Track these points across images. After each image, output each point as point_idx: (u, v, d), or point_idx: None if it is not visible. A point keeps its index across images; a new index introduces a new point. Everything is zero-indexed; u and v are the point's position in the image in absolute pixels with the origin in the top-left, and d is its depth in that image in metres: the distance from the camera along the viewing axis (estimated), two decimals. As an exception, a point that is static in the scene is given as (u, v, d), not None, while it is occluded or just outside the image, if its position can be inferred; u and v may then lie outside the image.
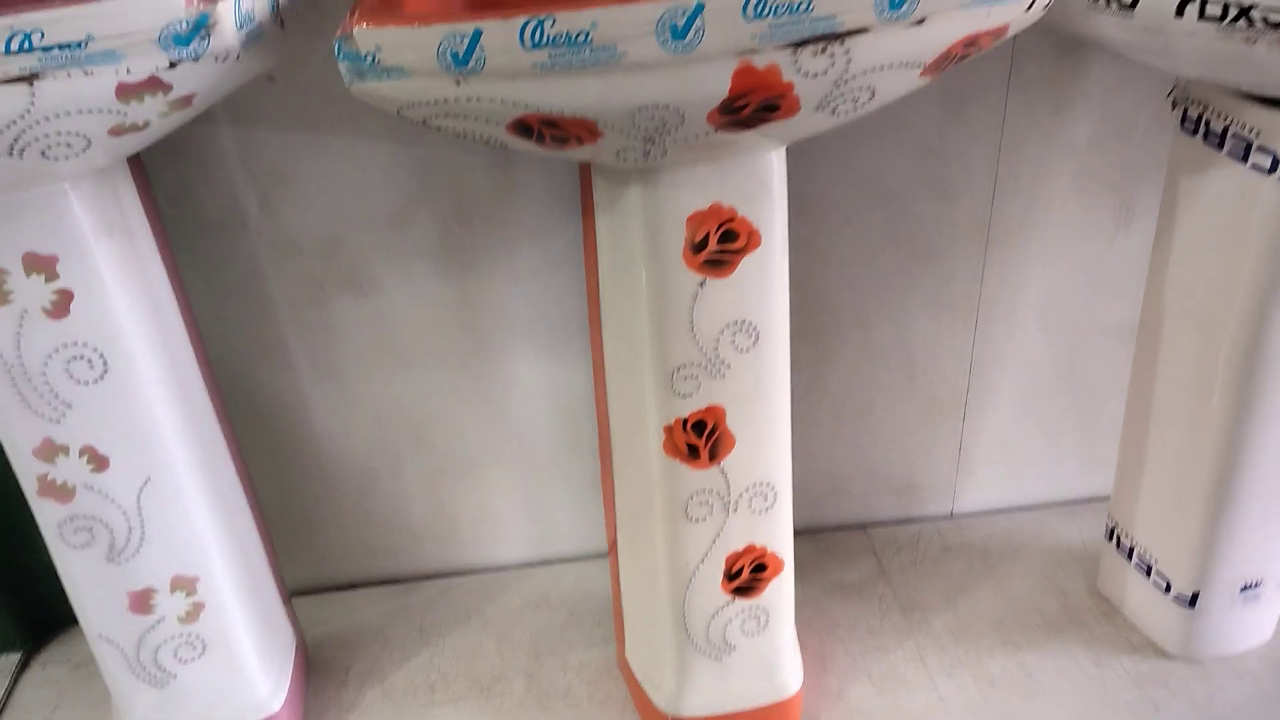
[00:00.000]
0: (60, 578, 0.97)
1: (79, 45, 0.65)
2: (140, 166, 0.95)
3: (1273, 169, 0.88)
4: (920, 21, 0.67)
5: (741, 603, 1.01)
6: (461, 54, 0.64)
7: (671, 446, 0.93)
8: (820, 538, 1.38)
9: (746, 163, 0.83)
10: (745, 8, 0.64)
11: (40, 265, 0.83)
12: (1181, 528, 1.09)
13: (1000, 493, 1.40)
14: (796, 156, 1.11)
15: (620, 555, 1.07)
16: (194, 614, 1.01)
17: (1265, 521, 1.06)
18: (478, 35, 0.64)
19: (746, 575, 1.00)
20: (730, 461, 0.94)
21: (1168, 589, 1.13)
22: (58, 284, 0.84)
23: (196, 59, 0.68)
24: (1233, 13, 0.76)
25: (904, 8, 0.66)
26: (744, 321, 0.89)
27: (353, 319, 1.17)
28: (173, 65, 0.68)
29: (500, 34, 0.64)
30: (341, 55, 0.67)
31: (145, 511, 0.94)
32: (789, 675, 1.06)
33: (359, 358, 1.20)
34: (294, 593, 1.31)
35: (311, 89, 1.03)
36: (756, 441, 0.94)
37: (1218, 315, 0.98)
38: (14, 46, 0.63)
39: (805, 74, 0.68)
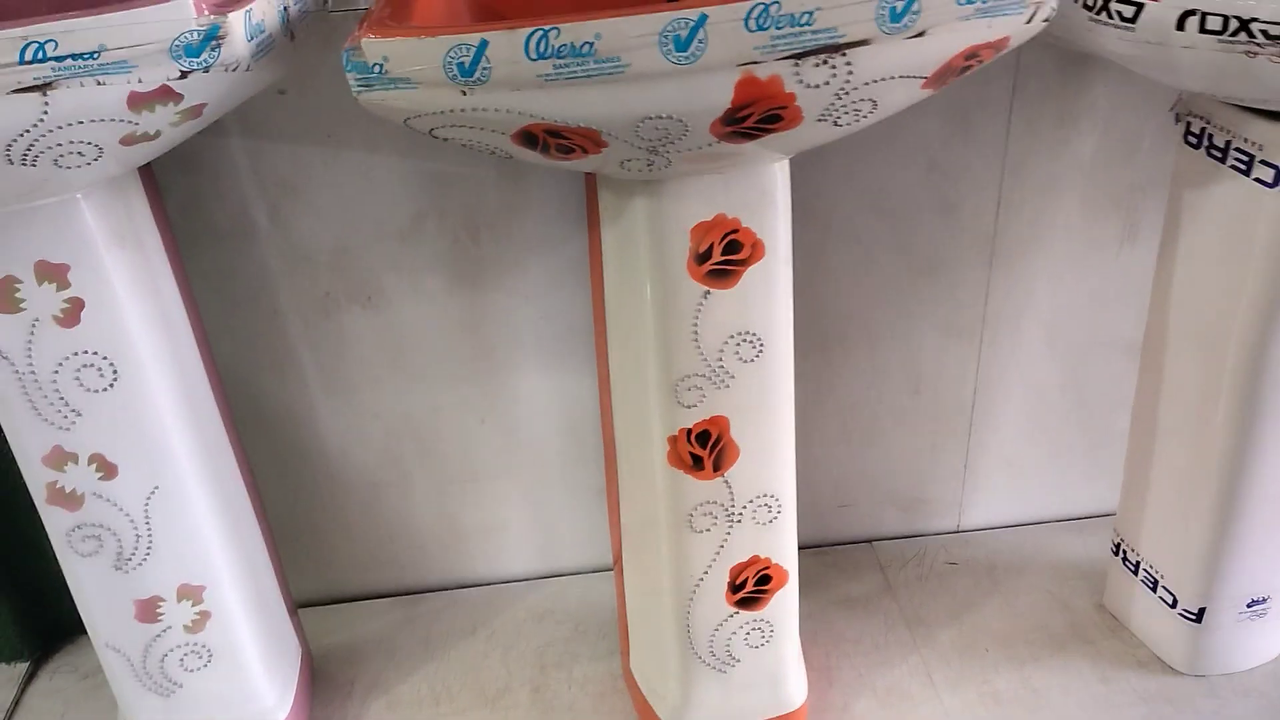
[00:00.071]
0: (68, 586, 0.98)
1: (91, 55, 0.66)
2: (151, 177, 0.96)
3: (1275, 182, 0.89)
4: (921, 34, 0.68)
5: (746, 615, 1.01)
6: (467, 65, 0.65)
7: (675, 457, 0.93)
8: (826, 552, 1.38)
9: (750, 174, 0.84)
10: (747, 20, 0.65)
11: (52, 274, 0.84)
12: (1187, 543, 1.08)
13: (1006, 508, 1.40)
14: (803, 171, 1.12)
15: (625, 567, 1.08)
16: (200, 623, 1.01)
17: (1272, 536, 1.06)
18: (483, 46, 0.65)
19: (751, 587, 1.00)
20: (734, 472, 0.94)
21: (1174, 604, 1.13)
22: (69, 292, 0.85)
23: (207, 69, 0.69)
24: (1233, 26, 0.76)
25: (904, 20, 0.66)
26: (748, 332, 0.89)
27: (361, 331, 1.18)
28: (183, 75, 0.69)
29: (505, 45, 0.65)
30: (349, 65, 0.68)
31: (153, 520, 0.95)
32: (794, 689, 1.06)
33: (367, 369, 1.21)
34: (300, 604, 1.31)
35: (322, 101, 1.05)
36: (760, 452, 0.94)
37: (1222, 329, 0.98)
38: (28, 56, 0.65)
39: (807, 85, 0.68)
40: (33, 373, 0.86)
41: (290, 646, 1.15)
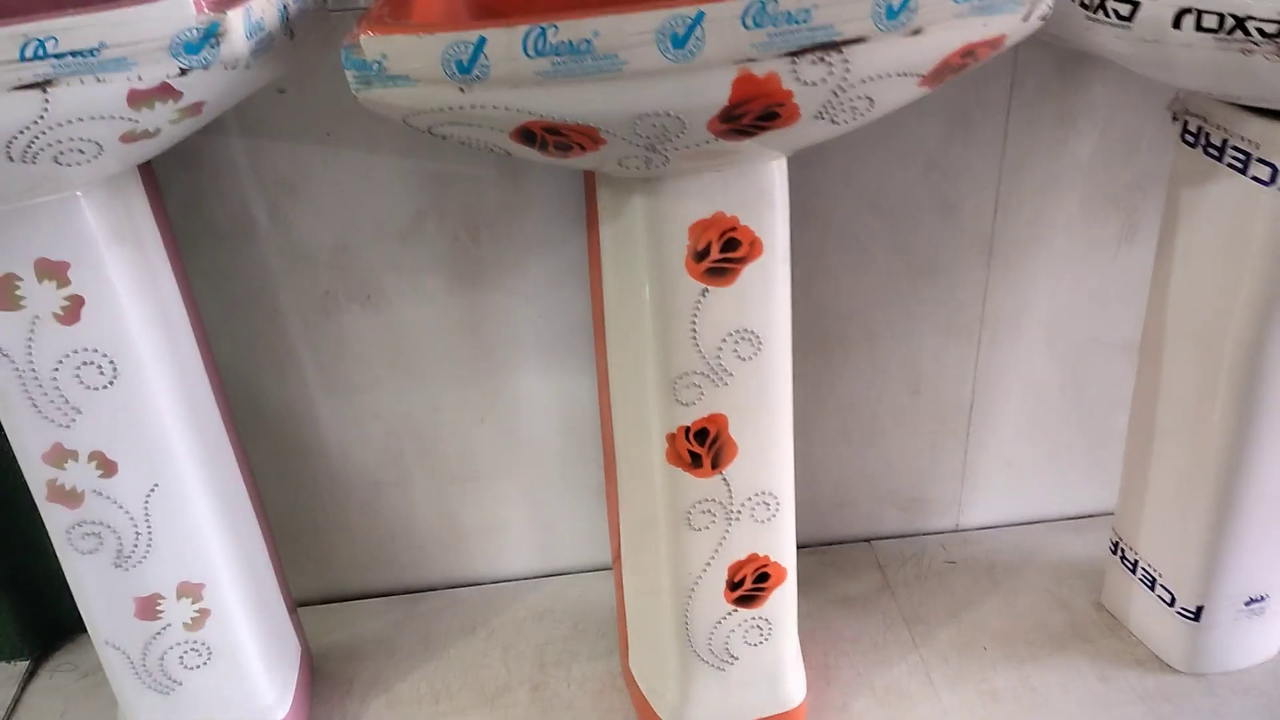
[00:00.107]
0: (68, 584, 0.98)
1: (91, 52, 0.66)
2: (151, 175, 0.96)
3: (1272, 180, 0.89)
4: (917, 31, 0.68)
5: (744, 613, 1.01)
6: (465, 62, 0.66)
7: (674, 455, 0.94)
8: (825, 551, 1.38)
9: (748, 172, 0.84)
10: (744, 17, 0.65)
11: (52, 271, 0.84)
12: (1186, 541, 1.09)
13: (1005, 507, 1.40)
14: (802, 171, 1.12)
15: (624, 565, 1.08)
16: (200, 621, 1.01)
17: (1270, 535, 1.06)
18: (481, 43, 0.65)
19: (749, 585, 1.00)
20: (732, 470, 0.94)
21: (1172, 603, 1.13)
22: (69, 290, 0.85)
23: (206, 67, 0.70)
24: (1229, 24, 0.77)
25: (901, 17, 0.66)
26: (746, 330, 0.89)
27: (361, 330, 1.18)
28: (183, 73, 0.69)
29: (503, 42, 0.65)
30: (348, 63, 0.68)
31: (152, 517, 0.95)
32: (792, 687, 1.06)
33: (367, 369, 1.21)
34: (300, 603, 1.31)
35: (322, 100, 1.05)
36: (759, 450, 0.94)
37: (1219, 327, 0.98)
38: (28, 53, 0.65)
39: (804, 82, 0.69)
40: (33, 370, 0.87)
41: (290, 645, 1.16)
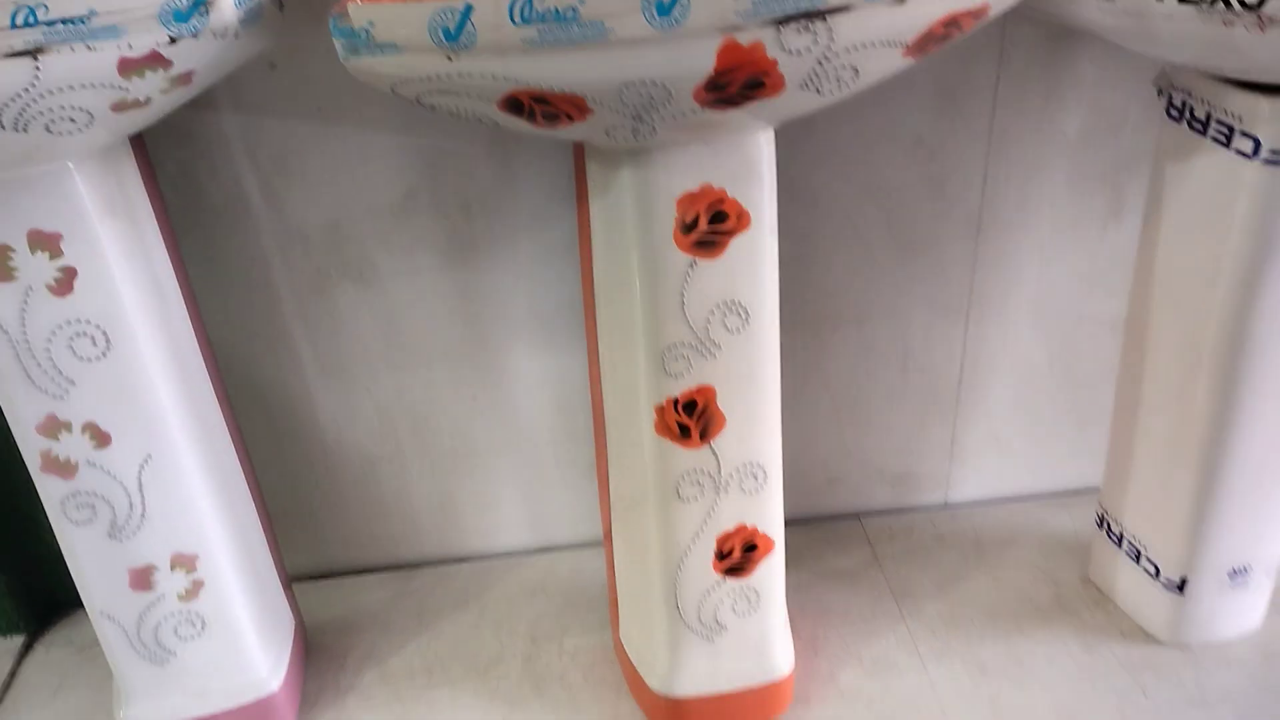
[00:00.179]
0: (63, 556, 0.99)
1: (81, 20, 0.67)
2: (144, 151, 0.97)
3: (1255, 153, 0.90)
4: (901, 1, 0.69)
5: (732, 583, 1.02)
6: (452, 29, 0.66)
7: (663, 426, 0.94)
8: (815, 526, 1.39)
9: (736, 144, 0.85)
10: (729, -15, 0.66)
11: (45, 243, 0.85)
12: (1169, 513, 1.10)
13: (993, 483, 1.41)
14: (791, 149, 1.13)
15: (614, 537, 1.09)
16: (194, 592, 1.02)
17: (1252, 506, 1.07)
18: (468, 11, 0.66)
19: (737, 555, 1.01)
20: (721, 441, 0.95)
21: (1157, 575, 1.14)
22: (62, 261, 0.86)
23: (196, 35, 0.70)
24: (1210, -5, 0.77)
25: (884, -15, 0.67)
26: (734, 302, 0.90)
27: (355, 307, 1.19)
28: (173, 41, 0.70)
29: (490, 9, 0.65)
30: (336, 31, 0.69)
31: (146, 488, 0.96)
32: (780, 656, 1.07)
33: (361, 345, 1.22)
34: (295, 578, 1.32)
35: (314, 77, 1.05)
36: (747, 421, 0.95)
37: (1203, 300, 0.99)
38: (18, 21, 0.66)
39: (789, 51, 0.69)
40: (26, 341, 0.87)
41: (284, 618, 1.17)
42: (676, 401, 0.93)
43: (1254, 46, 0.79)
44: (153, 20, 0.68)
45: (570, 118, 0.74)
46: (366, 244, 1.16)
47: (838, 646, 1.20)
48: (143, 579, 1.00)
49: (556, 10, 0.65)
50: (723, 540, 1.00)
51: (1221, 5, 0.77)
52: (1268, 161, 0.89)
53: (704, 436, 0.95)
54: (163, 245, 0.98)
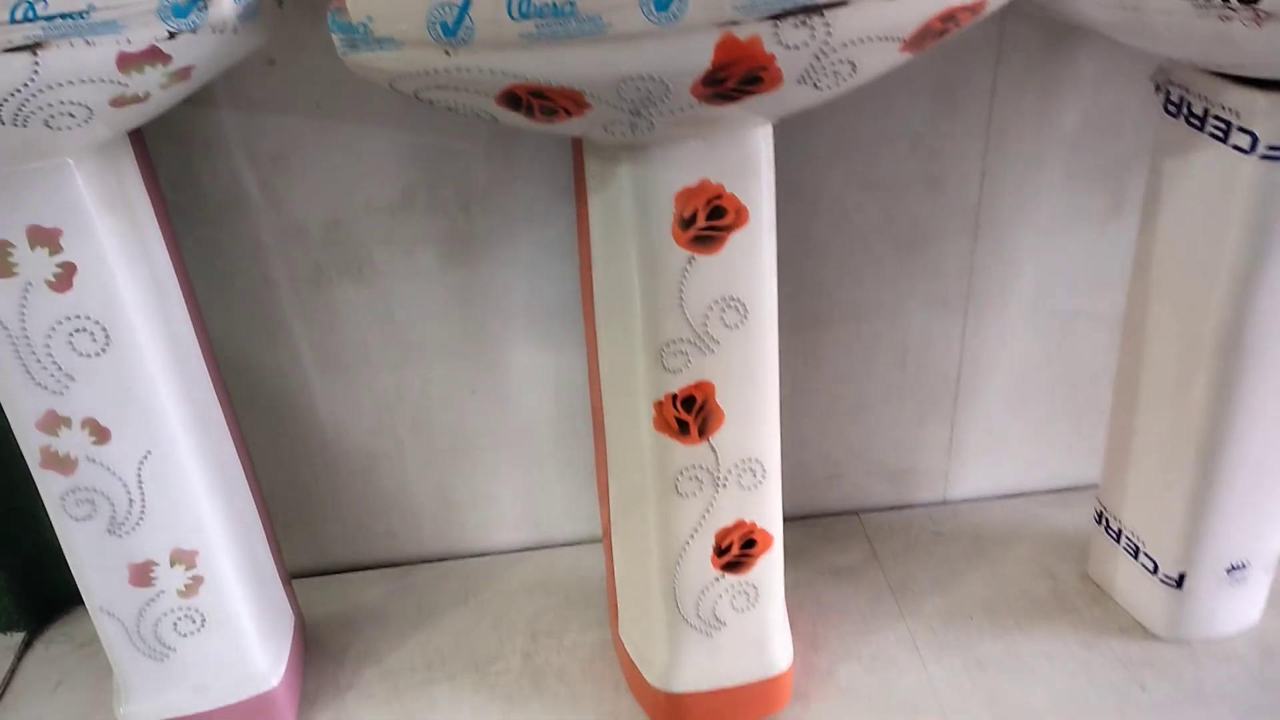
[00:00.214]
0: (63, 552, 0.99)
1: (81, 15, 0.67)
2: (143, 148, 0.97)
3: (1252, 149, 0.90)
4: (898, -5, 0.69)
5: (731, 579, 1.02)
6: (450, 24, 0.66)
7: (661, 422, 0.95)
8: (814, 523, 1.39)
9: (734, 139, 0.85)
10: (726, -20, 0.66)
11: (44, 238, 0.85)
12: (1168, 509, 1.10)
13: (992, 479, 1.41)
14: (789, 146, 1.13)
15: (613, 533, 1.09)
16: (193, 588, 1.02)
17: (1250, 502, 1.07)
18: (466, 5, 0.66)
19: (736, 551, 1.01)
20: (719, 437, 0.95)
21: (1155, 570, 1.14)
22: (61, 257, 0.86)
23: (194, 30, 0.70)
24: (1207, -10, 0.78)
25: (881, -20, 0.67)
26: (732, 298, 0.90)
27: (354, 304, 1.19)
28: (171, 36, 0.70)
29: (488, 4, 0.66)
30: (335, 26, 0.69)
31: (145, 484, 0.96)
32: (779, 652, 1.07)
33: (359, 341, 1.22)
34: (294, 575, 1.32)
35: (313, 73, 1.05)
36: (745, 417, 0.95)
37: (1200, 296, 0.99)
38: (18, 15, 0.66)
39: (786, 46, 0.69)
40: (26, 337, 0.88)
41: (283, 614, 1.17)
42: (675, 397, 0.93)
43: (1250, 41, 0.80)
44: (151, 15, 0.68)
45: (568, 113, 0.75)
46: (365, 240, 1.16)
47: (836, 643, 1.20)
48: (142, 575, 1.00)
49: (554, 5, 0.65)
50: (721, 536, 1.00)
51: (1218, 0, 0.78)
52: (1265, 157, 0.89)
53: (702, 432, 0.95)
54: (162, 241, 0.98)
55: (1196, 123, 0.95)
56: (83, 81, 0.70)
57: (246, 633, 1.07)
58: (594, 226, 0.94)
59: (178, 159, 1.08)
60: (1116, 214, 1.23)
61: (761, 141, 0.86)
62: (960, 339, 1.30)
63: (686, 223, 0.87)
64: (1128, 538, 1.17)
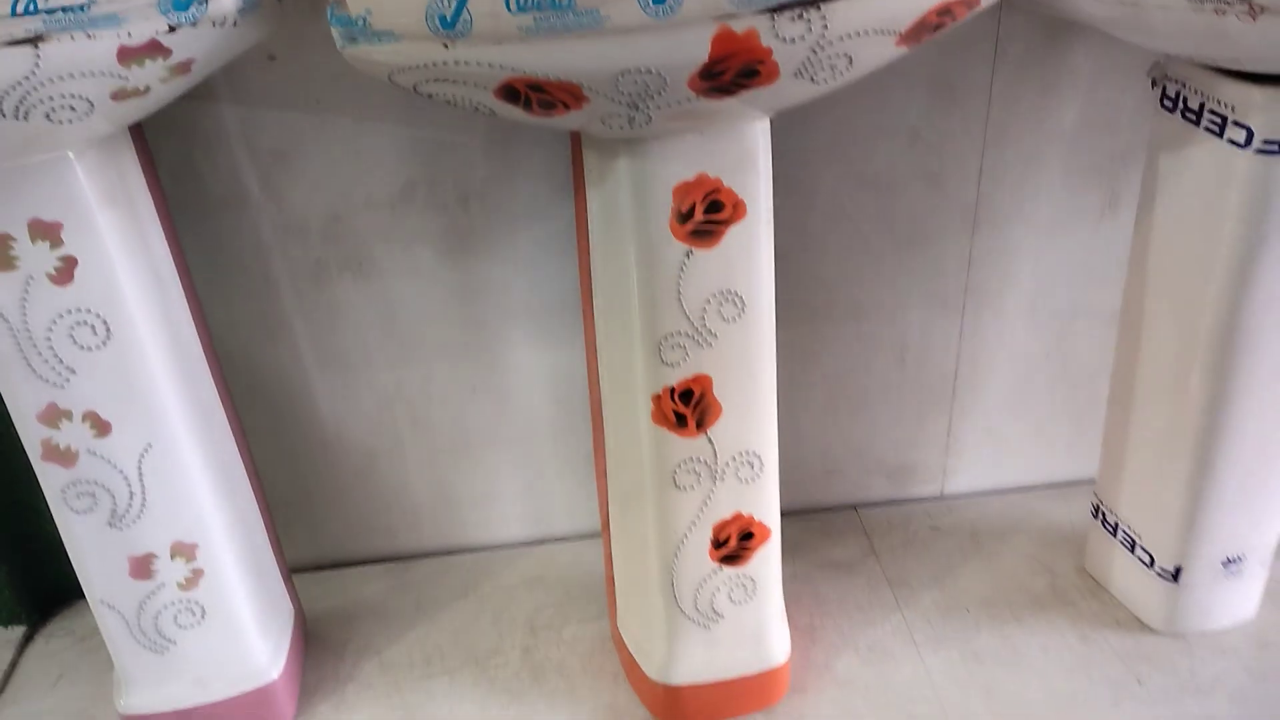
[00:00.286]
0: (64, 544, 1.00)
1: (81, 9, 0.67)
2: (144, 142, 0.97)
3: (1248, 143, 0.90)
4: (894, -11, 0.69)
5: (729, 571, 1.03)
6: (449, 17, 0.67)
7: (660, 415, 0.95)
8: (812, 518, 1.39)
9: (732, 133, 0.85)
10: (723, -27, 0.66)
11: (45, 232, 0.85)
12: (1164, 503, 1.10)
13: (990, 475, 1.41)
14: (787, 142, 1.13)
15: (611, 526, 1.09)
16: (193, 580, 1.03)
17: (1246, 496, 1.08)
18: (465, -1, 0.66)
19: (734, 544, 1.01)
20: (717, 430, 0.96)
21: (1151, 564, 1.14)
22: (62, 250, 0.86)
23: (194, 24, 0.71)
24: (1202, -16, 0.78)
25: (877, -26, 0.68)
26: (730, 291, 0.91)
27: (353, 299, 1.20)
28: (172, 30, 0.70)
29: (487, -2, 0.66)
30: (334, 19, 0.70)
31: (146, 477, 0.97)
32: (776, 645, 1.08)
33: (359, 337, 1.22)
34: (295, 569, 1.33)
35: (313, 69, 1.06)
36: (743, 411, 0.96)
37: (1196, 291, 0.99)
38: (19, 9, 0.66)
39: (783, 39, 0.70)
40: (27, 330, 0.88)
41: (283, 607, 1.17)
42: (673, 390, 0.94)
43: (1246, 36, 0.80)
44: (152, 9, 0.69)
45: (566, 106, 0.75)
46: (365, 236, 1.16)
47: (834, 636, 1.20)
48: (143, 567, 1.00)
49: (552, -2, 0.66)
50: (719, 529, 1.00)
51: (1213, -6, 0.78)
52: (1260, 151, 0.90)
53: (700, 425, 0.95)
54: (162, 236, 0.99)
55: (1192, 117, 0.95)
56: (83, 75, 0.71)
57: (246, 626, 1.08)
58: (592, 221, 0.94)
59: (178, 154, 1.09)
60: (1114, 209, 1.23)
61: (759, 136, 0.86)
62: (958, 334, 1.31)
63: (684, 217, 0.87)
64: (1124, 532, 1.18)
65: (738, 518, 1.00)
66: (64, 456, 0.94)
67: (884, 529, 1.37)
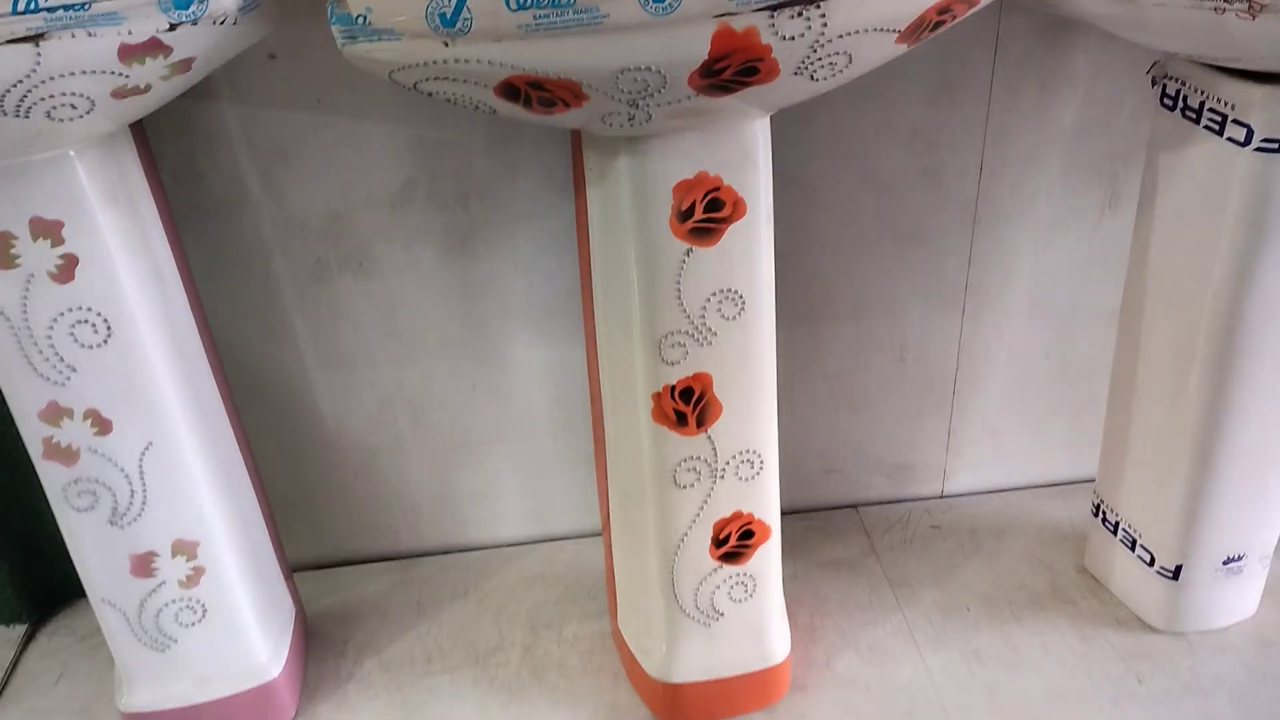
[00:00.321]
0: (65, 543, 1.00)
1: (82, 6, 0.67)
2: (144, 141, 0.97)
3: (1248, 141, 0.90)
4: (894, -14, 0.69)
5: (729, 569, 1.03)
6: (449, 15, 0.67)
7: (660, 414, 0.95)
8: (812, 517, 1.40)
9: (731, 132, 0.85)
10: (722, -29, 0.66)
11: (47, 230, 0.85)
12: (1164, 502, 1.10)
13: (990, 474, 1.41)
14: (787, 140, 1.13)
15: (612, 524, 1.10)
16: (194, 578, 1.03)
17: (1246, 494, 1.08)
18: (465, -4, 0.66)
19: (734, 542, 1.01)
20: (717, 429, 0.96)
21: (1151, 563, 1.15)
22: (63, 249, 0.86)
23: (195, 22, 0.71)
24: (1201, -18, 0.78)
25: (876, -29, 0.68)
26: (730, 290, 0.91)
27: (354, 297, 1.20)
28: (172, 28, 0.71)
29: (486, -5, 0.66)
30: (334, 18, 0.70)
31: (147, 475, 0.97)
32: (776, 643, 1.08)
33: (360, 336, 1.22)
34: (296, 568, 1.33)
35: (313, 67, 1.06)
36: (743, 409, 0.96)
37: (1196, 290, 0.99)
38: (20, 7, 0.66)
39: (783, 37, 0.70)
40: (29, 328, 0.88)
41: (284, 605, 1.17)
42: (673, 389, 0.94)
43: (1245, 34, 0.80)
44: (152, 7, 0.69)
45: (566, 104, 0.75)
46: (366, 234, 1.16)
47: (834, 635, 1.20)
48: (144, 565, 1.00)
49: (552, -4, 0.66)
50: (719, 527, 1.00)
51: (1212, -8, 0.78)
52: (1260, 149, 0.90)
53: (701, 424, 0.95)
54: (163, 234, 0.99)
55: (1192, 115, 0.95)
56: (84, 73, 0.71)
57: (247, 623, 1.08)
58: (593, 219, 0.94)
59: (179, 153, 1.09)
60: (1113, 207, 1.23)
61: (759, 134, 0.86)
62: (958, 333, 1.31)
63: (684, 215, 0.87)
64: (1125, 530, 1.18)
65: (738, 516, 1.00)
66: (65, 455, 0.94)
67: (884, 528, 1.37)
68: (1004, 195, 1.22)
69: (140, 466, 0.96)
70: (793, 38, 0.70)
